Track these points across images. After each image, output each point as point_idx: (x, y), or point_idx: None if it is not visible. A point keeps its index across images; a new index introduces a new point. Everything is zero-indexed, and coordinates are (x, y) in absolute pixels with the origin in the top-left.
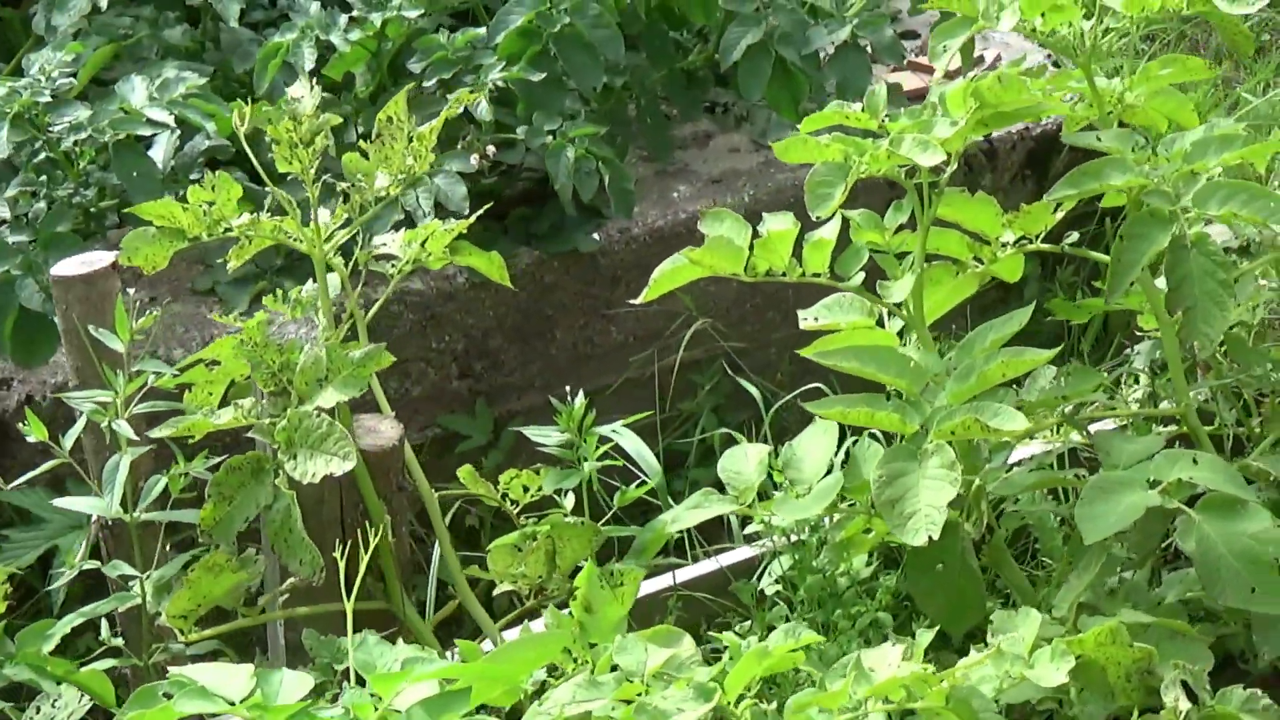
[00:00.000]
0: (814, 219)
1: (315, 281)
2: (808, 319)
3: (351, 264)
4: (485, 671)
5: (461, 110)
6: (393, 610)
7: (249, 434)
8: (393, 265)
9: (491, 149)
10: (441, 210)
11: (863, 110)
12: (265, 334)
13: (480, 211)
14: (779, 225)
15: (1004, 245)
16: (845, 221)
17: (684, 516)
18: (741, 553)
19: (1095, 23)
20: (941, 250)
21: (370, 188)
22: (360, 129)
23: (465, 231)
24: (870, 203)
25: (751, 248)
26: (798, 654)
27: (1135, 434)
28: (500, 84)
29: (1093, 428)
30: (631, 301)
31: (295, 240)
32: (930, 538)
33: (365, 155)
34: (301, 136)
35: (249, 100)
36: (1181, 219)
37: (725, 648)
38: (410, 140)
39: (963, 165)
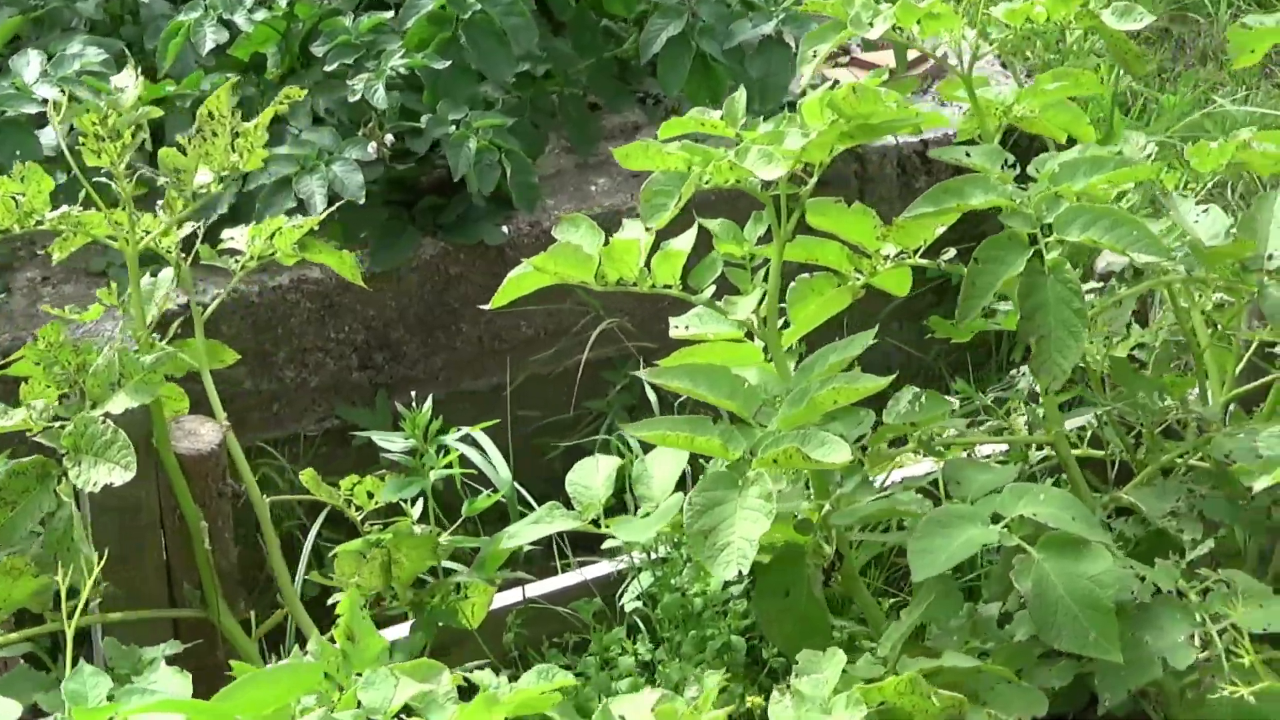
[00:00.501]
0: (645, 229)
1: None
2: (678, 327)
3: (192, 257)
4: (214, 710)
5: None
6: (209, 618)
7: (35, 437)
8: (236, 260)
9: (390, 137)
10: (338, 198)
11: (722, 116)
12: (62, 333)
13: (331, 209)
14: (630, 234)
15: (885, 258)
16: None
17: (523, 532)
18: (607, 566)
19: (978, 32)
20: (821, 261)
21: (190, 184)
22: None
23: (368, 218)
24: None
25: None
26: (549, 697)
27: (1011, 461)
28: (404, 71)
29: (969, 453)
30: (482, 307)
31: (110, 237)
32: (740, 571)
33: (184, 151)
34: (110, 130)
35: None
36: (1041, 243)
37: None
38: (235, 136)
39: (894, 169)
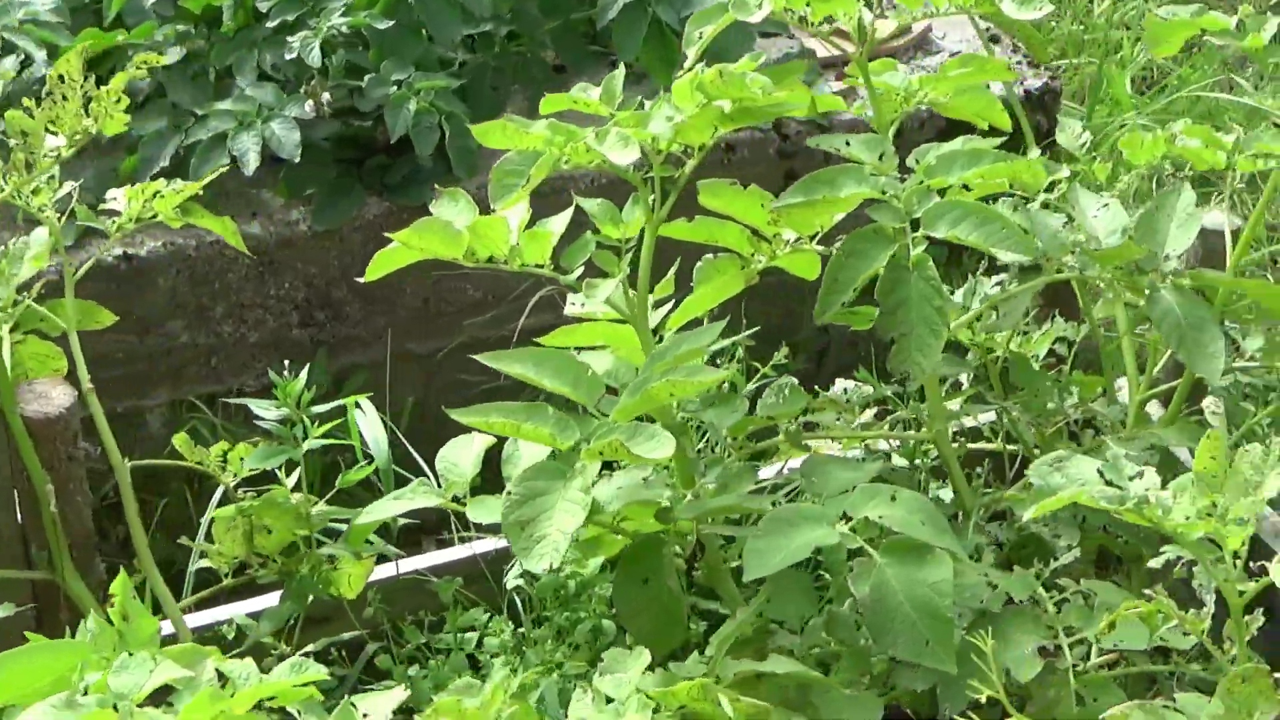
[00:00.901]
0: (492, 209)
1: None
2: (573, 304)
3: (66, 216)
4: None
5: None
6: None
7: None
8: (113, 222)
9: (327, 95)
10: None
11: (601, 95)
12: None
13: (213, 174)
14: (511, 212)
15: (786, 242)
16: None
17: (383, 507)
18: (497, 542)
19: (875, 13)
20: (722, 243)
21: (39, 146)
22: (218, 68)
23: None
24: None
25: None
26: (296, 691)
27: (904, 456)
28: (346, 31)
29: (865, 446)
30: (358, 279)
31: None
32: (551, 564)
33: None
34: None
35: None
36: (909, 238)
37: None
38: (89, 100)
39: None
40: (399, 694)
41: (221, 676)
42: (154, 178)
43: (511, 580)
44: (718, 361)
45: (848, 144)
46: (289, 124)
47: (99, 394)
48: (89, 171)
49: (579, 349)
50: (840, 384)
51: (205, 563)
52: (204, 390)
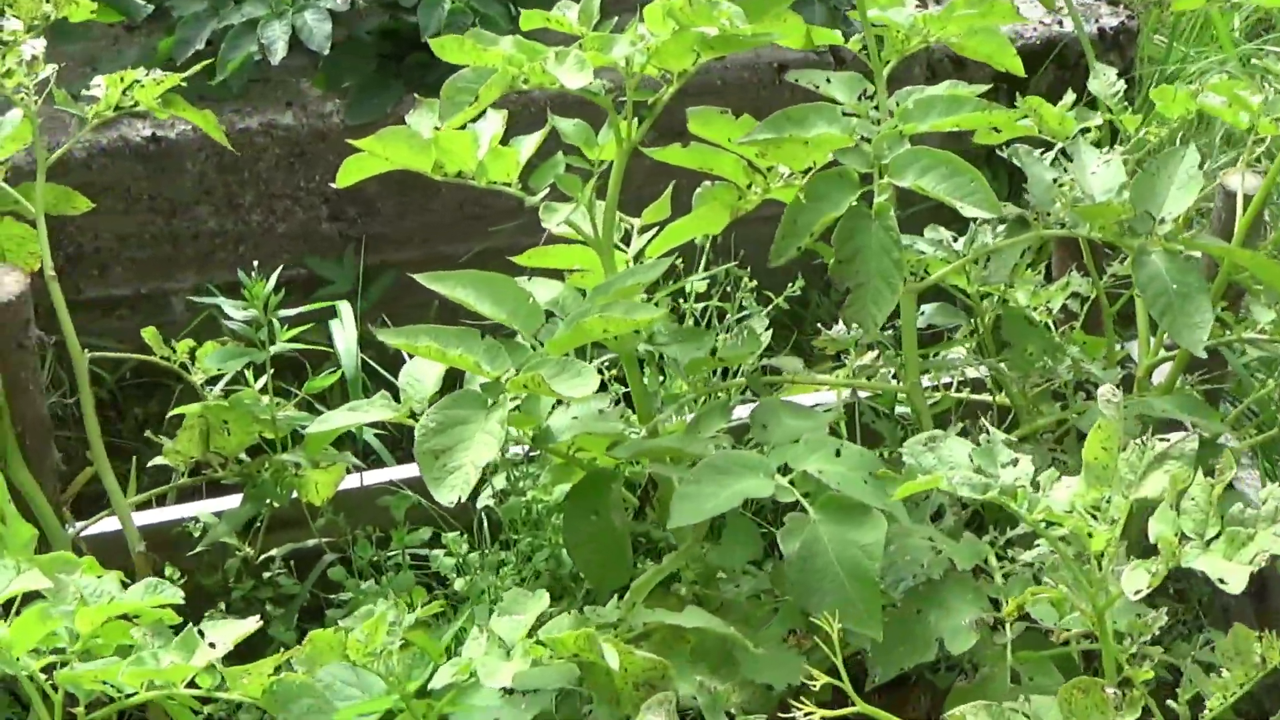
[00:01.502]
0: (436, 126)
1: None
2: (558, 225)
3: (38, 102)
4: None
5: None
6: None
7: None
8: (91, 109)
9: None
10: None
11: (579, 14)
12: None
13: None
14: (487, 125)
15: (781, 175)
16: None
17: (336, 417)
18: None
19: None
20: (716, 171)
21: None
22: None
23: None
24: None
25: None
26: (153, 612)
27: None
28: None
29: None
30: (332, 185)
31: None
32: (461, 497)
33: None
34: None
35: None
36: (876, 184)
37: None
38: None
39: (922, 70)
40: (250, 623)
41: None
42: (190, 60)
43: (482, 500)
44: (711, 290)
45: (828, 81)
46: (321, 14)
47: (125, 273)
48: (134, 51)
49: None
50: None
51: (161, 460)
52: (230, 278)
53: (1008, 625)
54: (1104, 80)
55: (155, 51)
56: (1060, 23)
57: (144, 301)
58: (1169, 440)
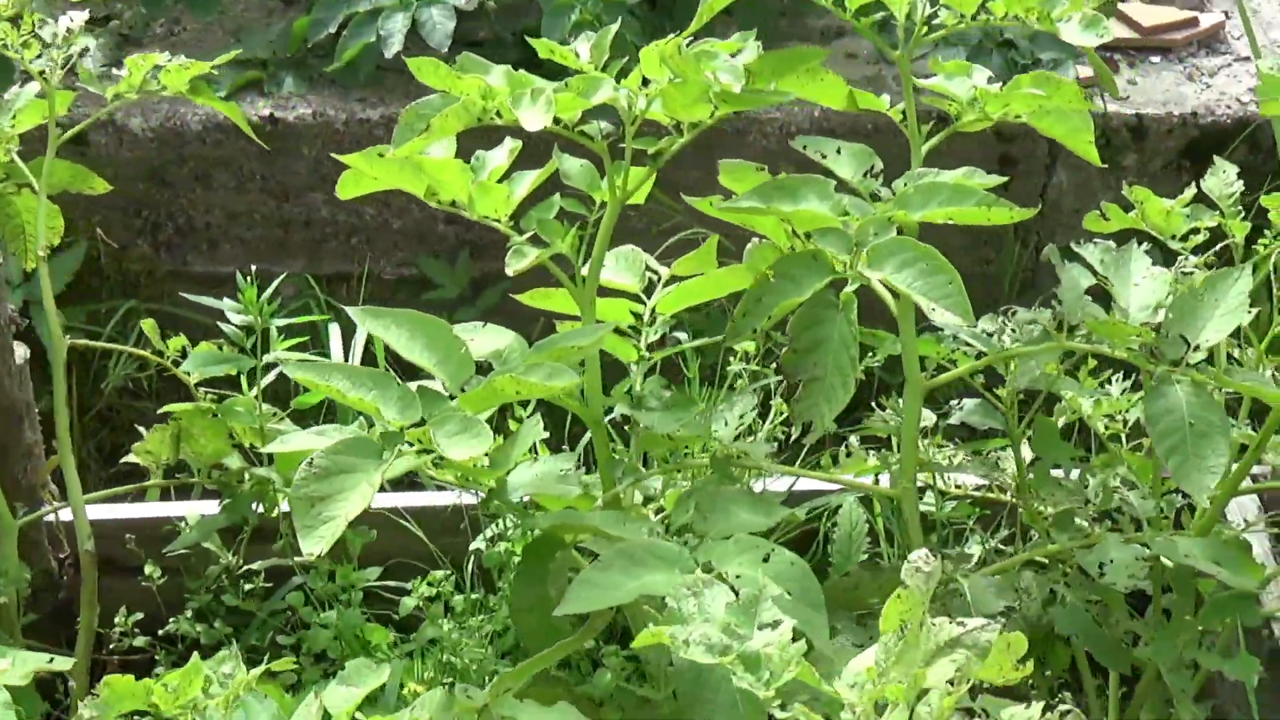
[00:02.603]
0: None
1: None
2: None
3: (57, 75)
4: None
5: None
6: None
7: None
8: (110, 88)
9: None
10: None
11: (590, 50)
12: None
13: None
14: (495, 155)
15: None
16: None
17: (301, 439)
18: None
19: (919, 9)
20: (755, 229)
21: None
22: None
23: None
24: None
25: None
26: None
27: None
28: None
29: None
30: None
31: None
32: (322, 551)
33: None
34: None
35: None
36: (849, 272)
37: None
38: None
39: (1101, 140)
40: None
41: None
42: (324, 41)
43: (475, 543)
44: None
45: (838, 152)
46: (447, 11)
47: (233, 251)
48: (279, 26)
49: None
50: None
51: (132, 458)
52: (339, 269)
53: None
54: (1220, 178)
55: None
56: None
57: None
58: (964, 625)
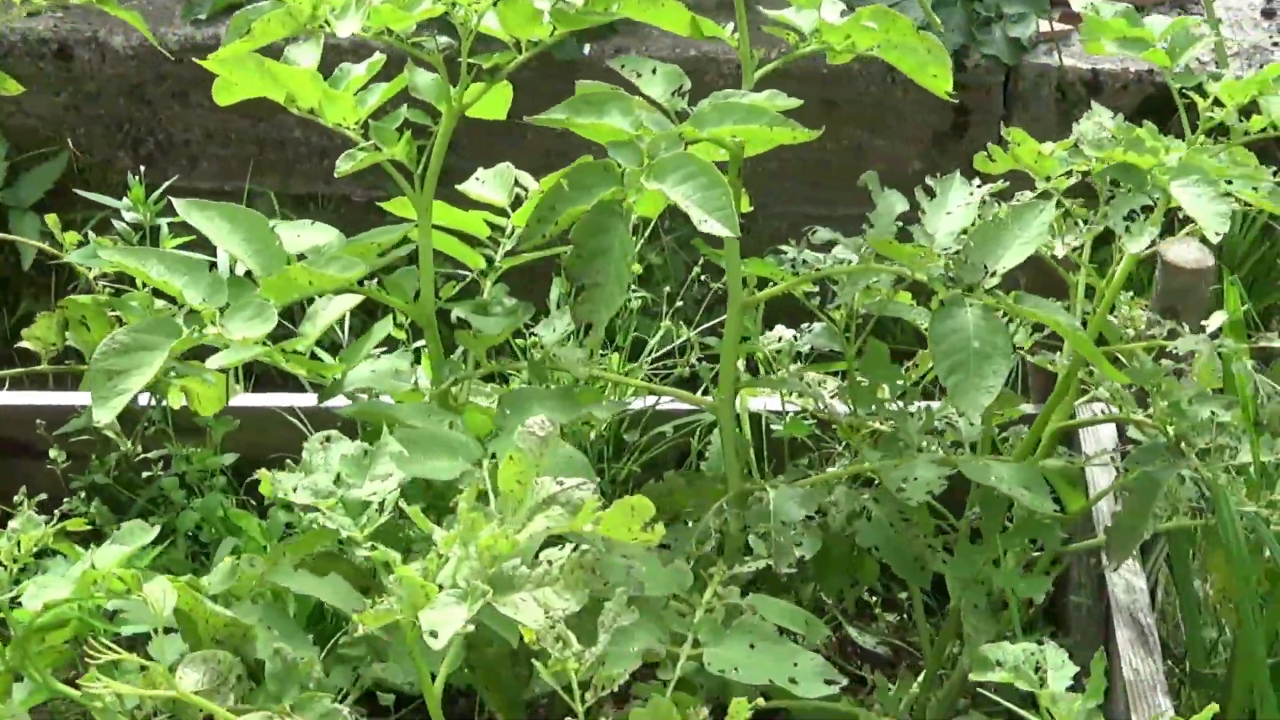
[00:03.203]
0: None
1: None
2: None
3: None
4: None
5: None
6: None
7: None
8: None
9: None
10: None
11: None
12: None
13: None
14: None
15: None
16: None
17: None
18: None
19: None
20: (602, 141)
21: None
22: None
23: None
24: None
25: None
26: None
27: None
28: None
29: None
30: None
31: None
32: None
33: None
34: None
35: None
36: (635, 181)
37: None
38: None
39: (1051, 93)
40: None
41: None
42: None
43: None
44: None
45: (654, 72)
46: None
47: (210, 168)
48: None
49: None
50: (779, 330)
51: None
52: (312, 189)
53: (675, 664)
54: (1094, 123)
55: None
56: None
57: (227, 199)
58: (562, 484)
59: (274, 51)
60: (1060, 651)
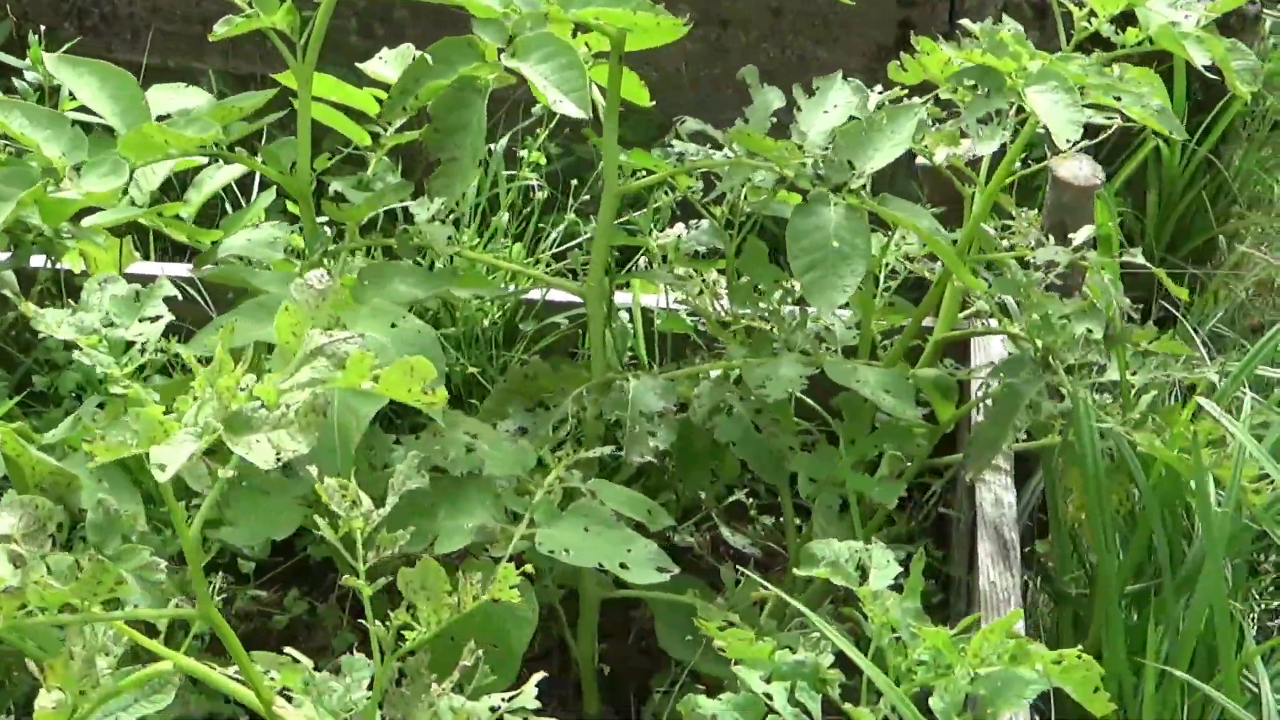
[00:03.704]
0: None
1: None
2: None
3: None
4: None
5: None
6: None
7: None
8: None
9: None
10: None
11: None
12: None
13: None
14: None
15: None
16: None
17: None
18: None
19: None
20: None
21: None
22: None
23: None
24: None
25: None
26: None
27: None
28: None
29: None
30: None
31: None
32: None
33: None
34: None
35: None
36: (496, 62)
37: None
38: None
39: (994, 13)
40: None
41: None
42: None
43: None
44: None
45: None
46: None
47: (154, 44)
48: None
49: None
50: (679, 227)
51: None
52: (253, 69)
53: (508, 539)
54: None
55: None
56: None
57: (170, 76)
58: (331, 336)
59: None
60: (887, 552)
